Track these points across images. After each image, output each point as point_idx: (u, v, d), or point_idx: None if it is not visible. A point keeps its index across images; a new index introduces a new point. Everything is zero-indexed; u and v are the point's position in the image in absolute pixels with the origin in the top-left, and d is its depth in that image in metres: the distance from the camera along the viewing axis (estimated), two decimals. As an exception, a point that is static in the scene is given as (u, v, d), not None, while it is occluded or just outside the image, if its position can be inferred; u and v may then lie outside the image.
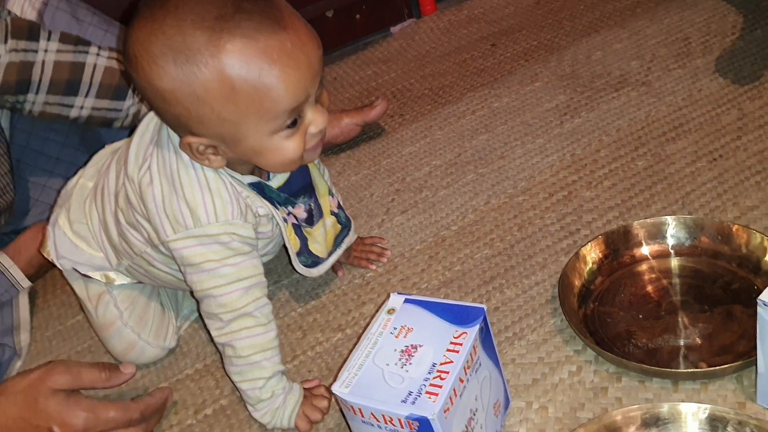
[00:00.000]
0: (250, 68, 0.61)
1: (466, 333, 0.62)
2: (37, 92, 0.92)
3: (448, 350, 0.61)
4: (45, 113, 0.95)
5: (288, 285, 0.95)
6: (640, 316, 0.77)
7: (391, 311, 0.66)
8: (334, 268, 0.94)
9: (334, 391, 0.60)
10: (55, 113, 0.95)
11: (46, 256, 0.85)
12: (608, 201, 0.94)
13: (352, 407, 0.60)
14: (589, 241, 0.84)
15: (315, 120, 0.67)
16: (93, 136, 1.07)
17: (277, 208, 0.76)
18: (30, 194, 1.07)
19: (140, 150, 0.73)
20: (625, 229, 0.84)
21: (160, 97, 0.64)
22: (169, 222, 0.70)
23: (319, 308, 0.91)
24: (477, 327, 0.62)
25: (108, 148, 0.85)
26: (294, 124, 0.66)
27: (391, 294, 0.67)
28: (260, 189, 0.74)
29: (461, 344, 0.61)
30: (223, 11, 0.61)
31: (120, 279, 0.84)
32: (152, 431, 0.79)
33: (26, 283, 0.97)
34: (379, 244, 0.96)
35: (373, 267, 0.94)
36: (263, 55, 0.61)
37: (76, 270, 0.83)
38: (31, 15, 0.97)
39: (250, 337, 0.72)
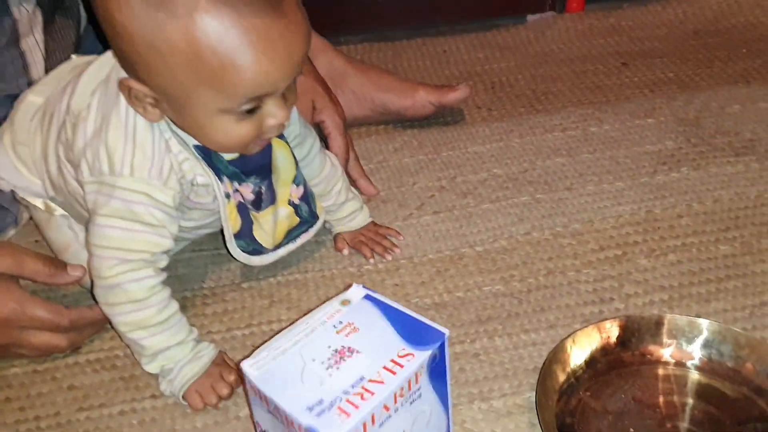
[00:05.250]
0: (223, 42, 0.55)
1: (413, 355, 0.50)
2: None
3: (385, 368, 0.49)
4: None
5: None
6: (631, 430, 0.62)
7: (345, 302, 0.55)
8: (337, 246, 0.85)
9: (242, 367, 0.51)
10: None
11: None
12: (663, 279, 0.77)
13: (258, 392, 0.50)
14: (612, 319, 0.68)
15: (275, 114, 0.61)
16: None
17: (222, 181, 0.68)
18: None
19: (92, 82, 0.66)
20: (657, 320, 0.68)
21: (112, 27, 0.57)
22: (87, 163, 0.64)
23: (299, 284, 0.81)
24: (428, 353, 0.50)
25: (70, 64, 0.76)
26: (251, 111, 0.60)
27: (354, 284, 0.57)
28: (207, 155, 0.66)
29: (402, 366, 0.49)
30: None
31: (59, 211, 0.77)
32: (81, 345, 0.73)
33: None
34: (392, 238, 0.85)
35: (372, 260, 0.83)
36: (243, 33, 0.55)
37: (14, 193, 0.77)
38: None
39: (123, 314, 0.65)
